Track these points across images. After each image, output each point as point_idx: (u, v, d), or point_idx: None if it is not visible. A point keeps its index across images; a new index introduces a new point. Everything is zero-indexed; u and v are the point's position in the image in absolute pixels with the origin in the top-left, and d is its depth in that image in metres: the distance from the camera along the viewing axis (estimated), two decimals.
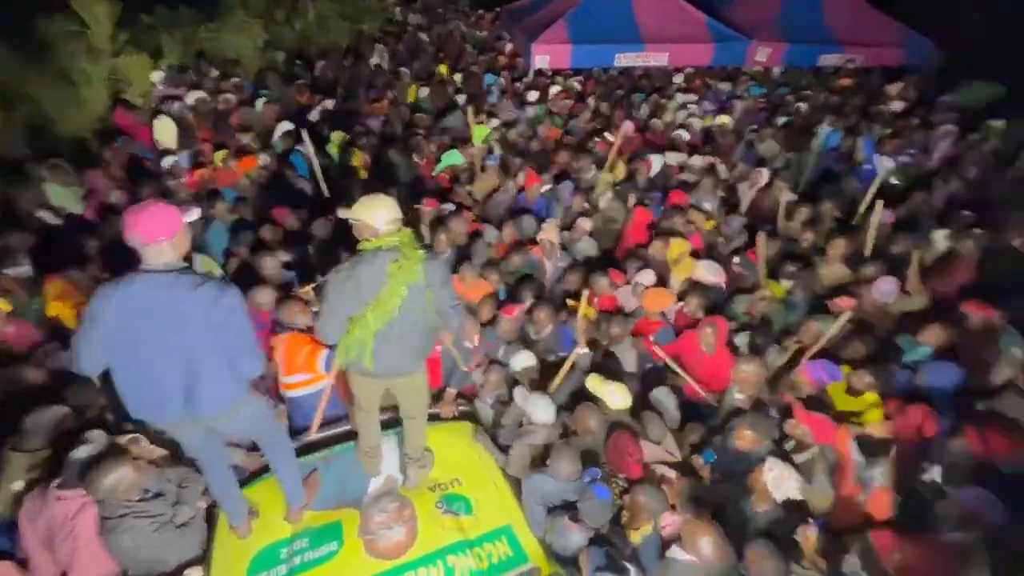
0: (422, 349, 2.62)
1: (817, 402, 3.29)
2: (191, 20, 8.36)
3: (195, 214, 2.16)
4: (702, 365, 3.63)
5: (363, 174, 5.72)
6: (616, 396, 3.11)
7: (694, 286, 4.22)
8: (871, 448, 3.04)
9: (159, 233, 1.97)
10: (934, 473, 2.88)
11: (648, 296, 3.98)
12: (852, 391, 3.29)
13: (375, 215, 2.34)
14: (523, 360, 3.52)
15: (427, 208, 4.70)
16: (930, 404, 3.15)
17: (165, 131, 5.95)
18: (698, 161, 6.17)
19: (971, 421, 2.89)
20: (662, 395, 3.45)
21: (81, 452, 2.39)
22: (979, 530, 2.28)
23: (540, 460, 2.92)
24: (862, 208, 4.84)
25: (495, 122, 7.06)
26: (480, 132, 6.04)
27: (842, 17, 10.61)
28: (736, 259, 4.63)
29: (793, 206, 5.07)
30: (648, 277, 4.10)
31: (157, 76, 7.04)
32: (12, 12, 6.72)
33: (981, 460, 2.73)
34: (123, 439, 2.57)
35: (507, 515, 2.78)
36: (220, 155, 5.44)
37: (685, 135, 6.97)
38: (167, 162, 5.11)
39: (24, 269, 3.52)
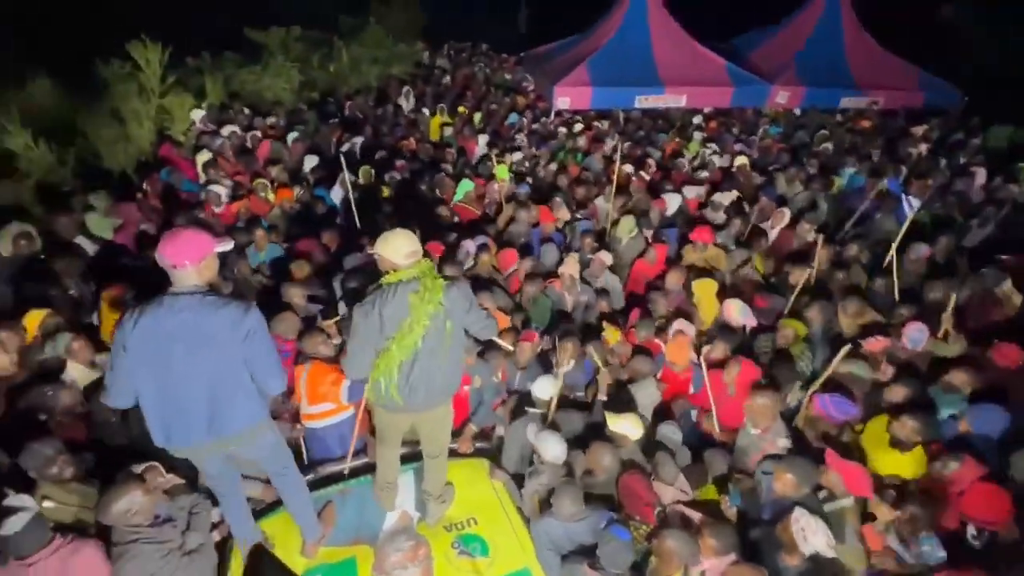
0: (448, 384, 2.59)
1: (844, 447, 3.12)
2: (233, 64, 8.96)
3: (228, 244, 2.23)
4: (725, 405, 3.52)
5: (390, 208, 5.85)
6: (629, 426, 3.03)
7: (722, 329, 4.10)
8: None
9: (184, 257, 2.03)
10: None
11: (671, 347, 3.79)
12: (897, 443, 3.04)
13: (394, 250, 2.39)
14: (546, 387, 3.31)
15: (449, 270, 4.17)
16: (974, 452, 2.95)
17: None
18: (720, 198, 6.15)
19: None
20: (669, 431, 3.32)
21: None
22: None
23: (546, 504, 2.80)
24: (893, 249, 4.73)
25: (518, 156, 7.24)
26: (502, 170, 6.18)
27: (863, 61, 10.76)
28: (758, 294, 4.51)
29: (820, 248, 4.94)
30: (687, 328, 3.92)
31: (197, 114, 7.46)
32: (69, 54, 7.27)
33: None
34: (140, 467, 2.55)
35: (524, 558, 2.68)
36: (260, 183, 5.73)
37: (705, 173, 7.02)
38: (211, 192, 5.40)
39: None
